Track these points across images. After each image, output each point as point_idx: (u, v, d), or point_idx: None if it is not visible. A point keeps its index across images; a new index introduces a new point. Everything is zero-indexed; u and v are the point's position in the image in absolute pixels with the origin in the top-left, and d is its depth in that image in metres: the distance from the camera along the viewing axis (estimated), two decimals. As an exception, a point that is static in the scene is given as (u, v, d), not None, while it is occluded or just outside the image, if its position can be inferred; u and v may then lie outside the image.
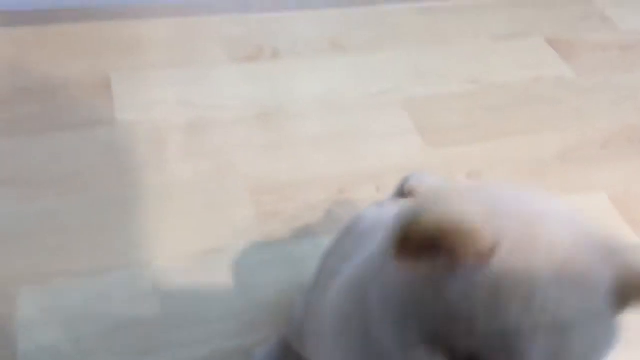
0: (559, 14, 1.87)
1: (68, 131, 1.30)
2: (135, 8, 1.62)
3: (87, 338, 0.98)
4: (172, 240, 1.13)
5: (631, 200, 1.34)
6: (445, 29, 1.75)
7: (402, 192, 0.80)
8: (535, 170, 1.38)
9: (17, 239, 1.10)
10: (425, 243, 0.41)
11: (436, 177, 0.85)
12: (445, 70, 1.61)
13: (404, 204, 0.45)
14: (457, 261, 0.41)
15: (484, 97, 1.54)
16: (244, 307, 1.04)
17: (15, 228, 1.11)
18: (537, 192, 0.46)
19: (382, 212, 0.73)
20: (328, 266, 0.73)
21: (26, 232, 1.11)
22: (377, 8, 1.78)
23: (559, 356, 0.40)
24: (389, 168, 1.31)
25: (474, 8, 1.85)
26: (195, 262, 1.10)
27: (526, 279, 0.40)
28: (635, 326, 0.52)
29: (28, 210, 1.14)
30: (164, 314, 1.02)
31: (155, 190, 1.21)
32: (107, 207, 1.16)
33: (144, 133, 1.32)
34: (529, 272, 0.40)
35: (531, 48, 1.73)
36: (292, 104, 1.45)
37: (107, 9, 1.60)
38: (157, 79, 1.45)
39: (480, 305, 0.40)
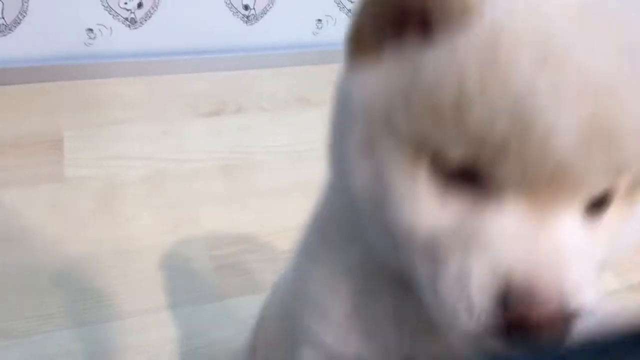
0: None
1: (14, 188, 1.22)
2: (97, 66, 1.58)
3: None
4: (125, 296, 1.04)
5: None
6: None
7: None
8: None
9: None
10: (387, 16, 0.33)
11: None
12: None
13: None
14: (435, 23, 0.31)
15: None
16: (198, 366, 0.95)
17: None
18: None
19: None
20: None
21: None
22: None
23: (599, 134, 0.30)
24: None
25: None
26: (149, 319, 1.01)
27: (537, 25, 0.30)
28: None
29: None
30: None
31: (107, 245, 1.12)
32: (52, 264, 1.08)
33: (97, 189, 1.24)
34: (539, 15, 0.30)
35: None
36: (256, 155, 1.39)
37: (66, 68, 1.56)
38: (116, 136, 1.39)
39: (473, 81, 0.30)
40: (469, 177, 0.33)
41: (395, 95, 0.34)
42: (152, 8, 1.57)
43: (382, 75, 0.35)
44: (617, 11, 0.31)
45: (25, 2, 1.46)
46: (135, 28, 1.58)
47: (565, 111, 0.29)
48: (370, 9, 0.35)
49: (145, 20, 1.58)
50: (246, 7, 1.63)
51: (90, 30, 1.55)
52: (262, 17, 1.65)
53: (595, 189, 0.33)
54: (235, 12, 1.63)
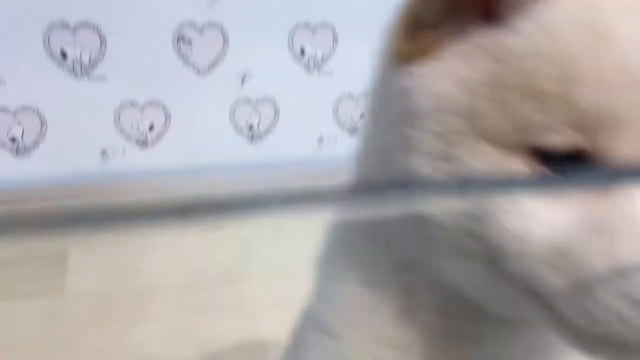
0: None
1: (12, 301, 1.26)
2: (110, 186, 1.66)
3: None
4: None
5: None
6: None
7: None
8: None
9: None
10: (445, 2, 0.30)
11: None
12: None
13: None
14: (503, 5, 0.30)
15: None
16: None
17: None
18: None
19: None
20: None
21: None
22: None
23: None
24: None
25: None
26: None
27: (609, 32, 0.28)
28: None
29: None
30: None
31: (101, 355, 1.13)
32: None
33: (94, 301, 1.27)
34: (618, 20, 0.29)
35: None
36: (252, 267, 1.41)
37: (80, 188, 1.64)
38: (112, 250, 1.44)
39: (582, 57, 0.28)
40: (575, 166, 0.30)
41: (476, 87, 0.31)
42: (162, 130, 1.67)
43: (451, 67, 0.32)
44: None
45: (44, 126, 1.58)
46: (147, 148, 1.68)
47: None
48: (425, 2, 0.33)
49: (157, 141, 1.68)
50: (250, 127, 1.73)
51: (104, 151, 1.65)
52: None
53: None
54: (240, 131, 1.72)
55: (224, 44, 1.61)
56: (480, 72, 0.31)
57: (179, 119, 1.67)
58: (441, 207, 0.32)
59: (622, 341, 0.30)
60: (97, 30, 1.53)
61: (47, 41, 1.51)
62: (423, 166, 0.33)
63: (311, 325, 0.46)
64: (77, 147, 1.62)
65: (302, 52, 1.67)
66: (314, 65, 1.69)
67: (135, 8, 1.53)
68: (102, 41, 1.54)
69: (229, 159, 1.71)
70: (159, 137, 1.68)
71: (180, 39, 1.59)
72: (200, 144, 1.69)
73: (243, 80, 1.66)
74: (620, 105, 0.29)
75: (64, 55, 1.53)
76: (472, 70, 0.31)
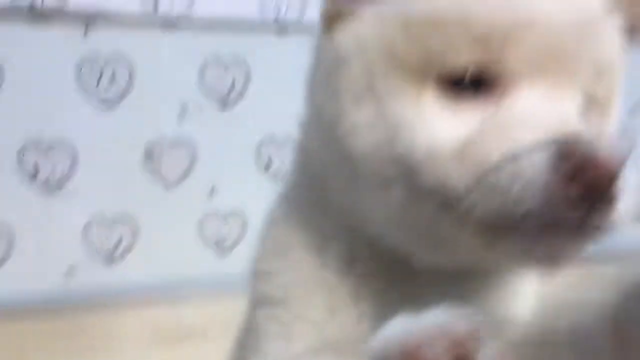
0: None
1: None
2: (77, 302, 1.62)
3: None
4: None
5: None
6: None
7: None
8: None
9: None
10: None
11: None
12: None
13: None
14: None
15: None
16: None
17: None
18: None
19: None
20: None
21: None
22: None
23: (586, 33, 0.38)
24: None
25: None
26: None
27: None
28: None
29: None
30: None
31: None
32: None
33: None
34: None
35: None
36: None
37: (46, 306, 1.60)
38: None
39: (474, 8, 0.36)
40: (478, 85, 0.37)
41: (393, 30, 0.38)
42: (130, 245, 1.67)
43: (369, 17, 0.40)
44: None
45: (10, 244, 1.57)
46: (114, 264, 1.66)
47: (555, 8, 0.37)
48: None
49: (124, 256, 1.67)
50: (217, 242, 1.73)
51: (71, 267, 1.63)
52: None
53: (585, 85, 0.39)
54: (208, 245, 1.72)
55: (192, 158, 1.67)
56: (393, 15, 0.39)
57: (147, 233, 1.67)
58: (362, 142, 0.39)
59: (515, 225, 0.35)
60: (70, 147, 1.59)
61: (20, 158, 1.56)
62: (351, 109, 0.40)
63: (256, 303, 0.51)
64: (43, 264, 1.61)
65: (269, 165, 1.73)
66: (282, 177, 1.74)
67: (106, 125, 1.60)
68: (73, 158, 1.59)
69: (197, 272, 1.69)
70: (127, 251, 1.67)
71: (149, 154, 1.65)
72: (168, 259, 1.68)
73: (211, 194, 1.70)
74: (509, 22, 0.37)
75: (35, 172, 1.57)
76: (387, 15, 0.39)
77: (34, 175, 1.57)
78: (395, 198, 0.40)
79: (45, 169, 1.58)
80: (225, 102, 1.69)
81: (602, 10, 0.41)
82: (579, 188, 0.34)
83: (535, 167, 0.34)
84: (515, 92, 0.37)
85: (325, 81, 0.44)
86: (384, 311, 0.40)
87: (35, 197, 1.58)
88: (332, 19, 0.43)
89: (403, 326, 0.32)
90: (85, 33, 1.56)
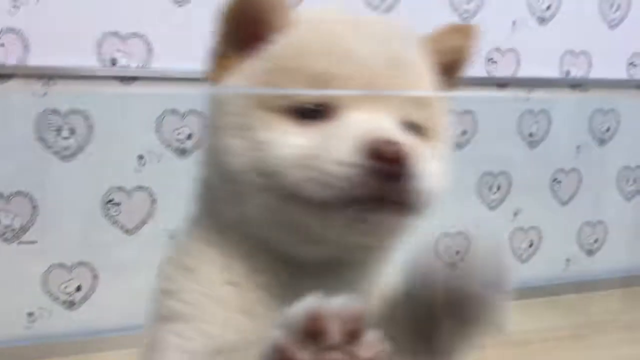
0: None
1: None
2: (37, 347, 1.66)
3: None
4: None
5: None
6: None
7: None
8: None
9: None
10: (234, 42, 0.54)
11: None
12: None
13: None
14: (268, 34, 0.53)
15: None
16: None
17: None
18: None
19: None
20: None
21: None
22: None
23: (394, 69, 0.52)
24: None
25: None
26: None
27: (327, 35, 0.53)
28: None
29: None
30: None
31: None
32: None
33: None
34: (330, 30, 0.53)
35: None
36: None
37: (6, 350, 1.64)
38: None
39: (292, 60, 0.52)
40: (317, 112, 0.51)
41: (257, 80, 0.53)
42: (90, 290, 1.71)
43: (245, 72, 0.54)
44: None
45: (-28, 291, 1.62)
46: (73, 309, 1.71)
47: (369, 51, 0.52)
48: (221, 41, 0.55)
49: (84, 301, 1.72)
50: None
51: (31, 313, 1.68)
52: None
53: (404, 112, 0.53)
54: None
55: (151, 205, 1.73)
56: (258, 67, 0.54)
57: (106, 279, 1.72)
58: (239, 162, 0.52)
59: (340, 203, 0.48)
60: (30, 198, 1.65)
61: (-19, 210, 1.61)
62: (230, 139, 0.53)
63: (160, 319, 0.57)
64: (4, 310, 1.65)
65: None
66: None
67: (66, 176, 1.66)
68: (34, 208, 1.65)
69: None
70: (86, 297, 1.72)
71: (109, 203, 1.70)
72: (127, 304, 1.72)
73: (171, 240, 1.74)
74: (336, 72, 0.51)
75: (-5, 222, 1.63)
76: (254, 67, 0.54)
77: (-6, 225, 1.63)
78: (268, 201, 0.52)
79: (5, 219, 1.63)
80: (182, 150, 1.75)
81: (413, 55, 0.55)
82: (376, 167, 0.46)
83: (346, 157, 0.47)
84: (342, 115, 0.51)
85: (211, 121, 0.56)
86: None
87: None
88: (216, 75, 0.56)
89: (310, 304, 0.41)
90: (45, 89, 1.62)
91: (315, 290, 0.45)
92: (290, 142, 0.50)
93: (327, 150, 0.49)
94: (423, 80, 0.56)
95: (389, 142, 0.47)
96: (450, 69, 0.61)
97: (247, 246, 0.55)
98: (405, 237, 0.56)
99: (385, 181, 0.47)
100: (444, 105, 0.59)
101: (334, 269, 0.54)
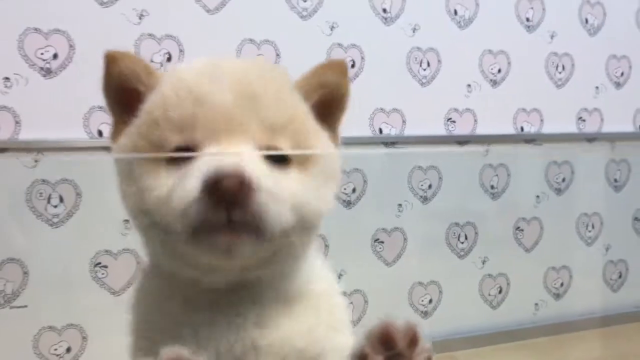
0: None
1: None
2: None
3: None
4: None
5: None
6: None
7: None
8: None
9: None
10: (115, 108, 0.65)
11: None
12: None
13: None
14: (142, 95, 0.63)
15: None
16: None
17: None
18: None
19: None
20: None
21: None
22: None
23: (245, 102, 0.59)
24: None
25: None
26: None
27: (185, 84, 0.60)
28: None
29: None
30: None
31: None
32: None
33: None
34: (187, 79, 0.61)
35: None
36: None
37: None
38: None
39: (159, 112, 0.60)
40: (188, 158, 0.57)
41: (137, 137, 0.61)
42: (80, 351, 1.78)
43: (130, 131, 0.62)
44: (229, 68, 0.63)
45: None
46: (64, 371, 1.77)
47: (221, 92, 0.59)
48: (109, 110, 0.66)
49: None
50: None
51: (22, 377, 1.73)
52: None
53: (265, 139, 0.59)
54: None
55: (137, 266, 1.82)
56: (136, 124, 0.62)
57: (95, 339, 1.79)
58: (132, 204, 0.60)
59: (196, 231, 0.55)
60: (20, 264, 1.73)
61: (-27, 277, 1.69)
62: (124, 186, 0.61)
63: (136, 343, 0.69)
64: (-5, 375, 1.71)
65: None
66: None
67: (54, 241, 1.75)
68: (25, 273, 1.73)
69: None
70: (76, 358, 1.78)
71: (97, 266, 1.79)
72: None
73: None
74: (193, 115, 0.59)
75: (-12, 288, 1.71)
76: (134, 125, 0.62)
77: (-13, 291, 1.70)
78: (157, 237, 0.59)
79: (-3, 284, 1.71)
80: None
81: (271, 89, 0.61)
82: (215, 196, 0.53)
83: (193, 192, 0.54)
84: (202, 156, 0.57)
85: (117, 173, 0.64)
86: (208, 333, 0.61)
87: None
88: (114, 137, 0.65)
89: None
90: (35, 160, 1.74)
91: (235, 305, 0.61)
92: (161, 184, 0.57)
93: (180, 188, 0.55)
94: (283, 109, 0.62)
95: (227, 176, 0.53)
96: (329, 104, 0.67)
97: (172, 279, 0.63)
98: (299, 250, 0.63)
99: (228, 210, 0.53)
100: (313, 128, 0.65)
101: (246, 287, 0.63)
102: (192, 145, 0.58)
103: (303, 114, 0.64)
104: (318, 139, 0.65)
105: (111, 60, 0.64)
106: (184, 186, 0.55)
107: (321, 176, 0.63)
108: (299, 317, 0.64)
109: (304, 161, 0.62)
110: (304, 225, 0.60)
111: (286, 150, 0.61)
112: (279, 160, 0.60)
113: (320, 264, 0.71)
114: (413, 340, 0.54)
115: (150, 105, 0.62)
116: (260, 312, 0.63)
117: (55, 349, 1.77)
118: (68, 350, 1.78)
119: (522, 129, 2.34)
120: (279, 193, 0.57)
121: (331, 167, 0.66)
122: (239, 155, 0.57)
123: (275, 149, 0.60)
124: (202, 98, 0.59)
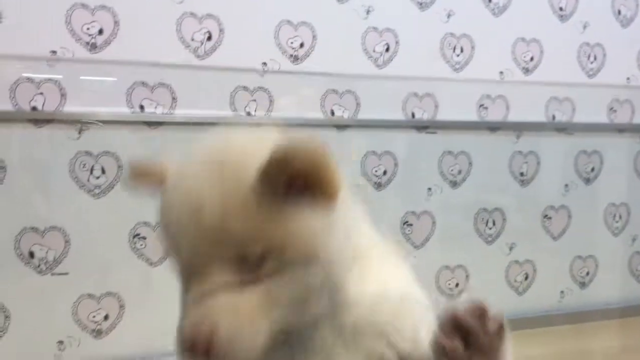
0: None
1: None
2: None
3: None
4: None
5: None
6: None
7: None
8: None
9: None
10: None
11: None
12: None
13: None
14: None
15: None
16: None
17: None
18: None
19: None
20: None
21: None
22: None
23: (197, 246, 0.57)
24: None
25: None
26: None
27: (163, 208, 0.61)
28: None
29: None
30: None
31: None
32: None
33: None
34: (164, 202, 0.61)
35: None
36: None
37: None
38: None
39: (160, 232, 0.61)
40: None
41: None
42: (117, 318, 1.83)
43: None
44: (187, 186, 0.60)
45: (5, 321, 1.73)
46: (101, 338, 1.82)
47: (178, 220, 0.58)
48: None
49: (111, 330, 1.83)
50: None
51: (61, 342, 1.78)
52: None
53: (236, 251, 0.56)
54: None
55: (173, 239, 1.86)
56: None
57: (132, 308, 1.84)
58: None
59: None
60: (63, 232, 1.78)
61: (17, 244, 1.75)
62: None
63: None
64: (36, 338, 1.76)
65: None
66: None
67: (96, 211, 1.80)
68: (67, 242, 1.79)
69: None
70: (113, 326, 1.83)
71: (135, 237, 1.84)
72: (153, 332, 1.83)
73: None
74: (173, 249, 0.60)
75: (31, 255, 1.76)
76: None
77: (29, 258, 1.76)
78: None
79: (40, 252, 1.77)
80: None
81: (224, 209, 0.56)
82: (189, 353, 0.55)
83: (175, 347, 0.56)
84: (187, 290, 0.58)
85: None
86: None
87: (30, 276, 1.76)
88: None
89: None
90: (79, 132, 1.79)
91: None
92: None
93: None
94: (244, 230, 0.56)
95: (194, 343, 0.54)
96: (304, 187, 0.57)
97: None
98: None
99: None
100: (292, 227, 0.57)
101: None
102: (186, 283, 0.59)
103: (271, 222, 0.57)
104: (298, 234, 0.58)
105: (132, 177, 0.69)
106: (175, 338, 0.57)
107: (302, 275, 0.59)
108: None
109: (288, 262, 0.58)
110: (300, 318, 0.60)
111: (261, 256, 0.57)
112: (252, 269, 0.57)
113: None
114: (481, 314, 0.57)
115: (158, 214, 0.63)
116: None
117: (94, 316, 1.82)
118: (106, 317, 1.83)
119: (553, 117, 2.36)
120: (243, 332, 0.56)
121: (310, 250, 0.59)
122: (205, 308, 0.56)
123: (253, 255, 0.57)
124: (170, 228, 0.60)
